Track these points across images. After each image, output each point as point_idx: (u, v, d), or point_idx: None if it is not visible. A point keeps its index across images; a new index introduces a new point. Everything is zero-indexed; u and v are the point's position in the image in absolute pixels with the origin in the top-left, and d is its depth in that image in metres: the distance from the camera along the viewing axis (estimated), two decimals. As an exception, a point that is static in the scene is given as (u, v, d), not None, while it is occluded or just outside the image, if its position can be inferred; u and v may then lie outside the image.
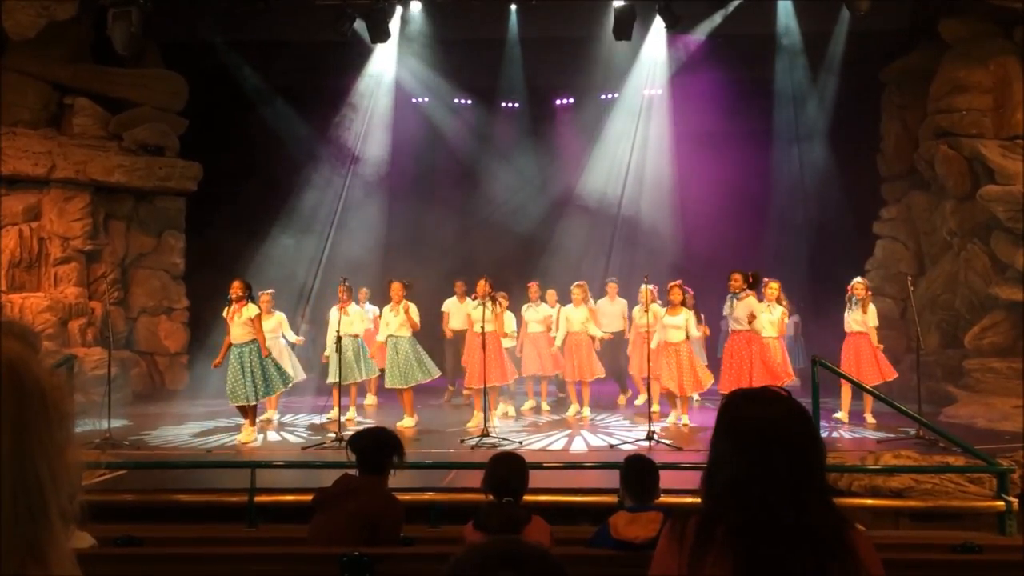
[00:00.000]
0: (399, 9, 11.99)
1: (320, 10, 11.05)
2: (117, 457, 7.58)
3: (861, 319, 9.45)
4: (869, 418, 9.51)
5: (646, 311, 9.52)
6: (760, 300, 9.21)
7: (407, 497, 4.76)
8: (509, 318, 10.04)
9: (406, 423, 9.47)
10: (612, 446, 8.35)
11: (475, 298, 9.66)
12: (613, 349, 11.10)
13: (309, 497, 3.71)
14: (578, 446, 8.47)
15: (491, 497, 3.57)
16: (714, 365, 10.02)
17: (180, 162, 12.45)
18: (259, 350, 8.83)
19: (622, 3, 11.06)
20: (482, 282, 9.42)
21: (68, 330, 11.46)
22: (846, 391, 9.64)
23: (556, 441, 8.73)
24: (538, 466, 6.22)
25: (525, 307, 10.70)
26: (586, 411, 10.31)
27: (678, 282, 9.47)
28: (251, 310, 8.83)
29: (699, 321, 10.16)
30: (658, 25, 11.97)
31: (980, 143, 10.44)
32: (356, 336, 10.12)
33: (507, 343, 10.18)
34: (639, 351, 10.51)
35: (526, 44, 12.64)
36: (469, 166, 14.09)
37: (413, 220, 13.84)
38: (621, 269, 12.60)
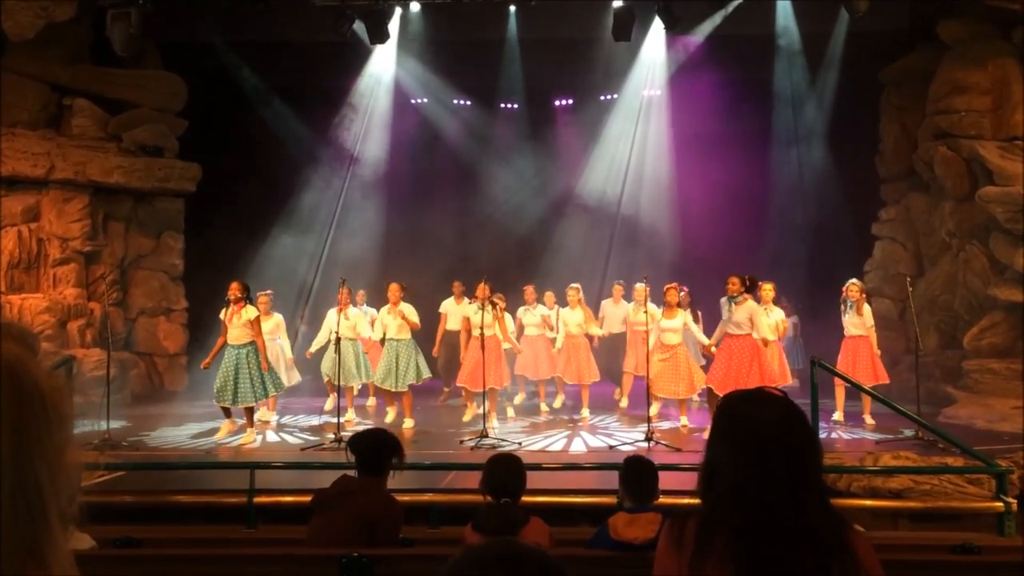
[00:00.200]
0: (398, 10, 11.99)
1: (319, 11, 11.04)
2: (116, 458, 7.57)
3: (859, 321, 9.45)
4: (868, 419, 9.51)
5: (645, 310, 9.52)
6: (757, 303, 9.20)
7: (406, 498, 4.76)
8: (508, 321, 10.03)
9: (407, 424, 9.49)
10: (611, 447, 8.35)
11: (473, 301, 9.66)
12: (612, 350, 11.10)
13: (308, 498, 3.71)
14: (577, 447, 8.48)
15: (489, 498, 3.58)
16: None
17: (179, 163, 12.45)
18: (257, 352, 8.82)
19: (621, 4, 11.07)
20: (482, 285, 9.42)
21: (67, 331, 11.46)
22: (840, 392, 9.64)
23: (555, 442, 8.73)
24: (537, 467, 6.24)
25: (522, 310, 10.68)
26: (585, 412, 10.31)
27: (674, 284, 9.46)
28: (250, 312, 8.82)
29: (696, 320, 10.16)
30: (657, 26, 11.97)
31: (979, 144, 10.45)
32: (354, 340, 10.07)
33: (507, 346, 10.17)
34: (634, 349, 10.49)
35: (525, 45, 12.64)
36: (468, 167, 14.08)
37: (412, 221, 13.83)
38: (620, 270, 12.60)
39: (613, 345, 11.06)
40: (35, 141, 11.57)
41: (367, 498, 3.51)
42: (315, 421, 10.24)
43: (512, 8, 12.15)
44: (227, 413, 9.00)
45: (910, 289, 9.68)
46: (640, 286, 10.14)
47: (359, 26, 11.47)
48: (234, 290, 8.83)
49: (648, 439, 8.26)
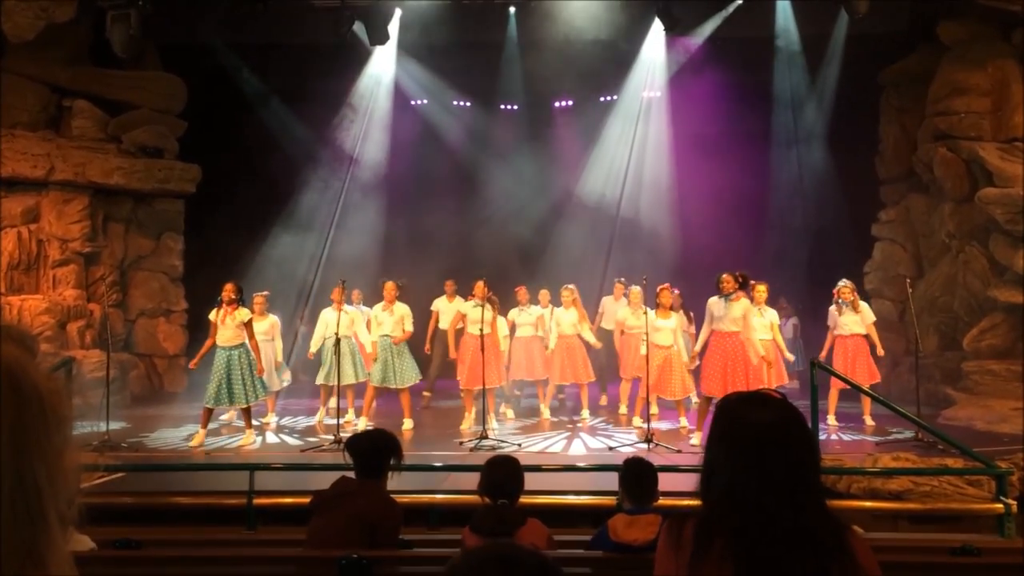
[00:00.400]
0: (398, 11, 12.00)
1: (319, 12, 11.06)
2: (116, 459, 7.58)
3: (858, 319, 9.44)
4: (868, 420, 9.51)
5: (645, 312, 9.51)
6: (750, 302, 9.17)
7: (406, 499, 4.76)
8: (501, 323, 10.00)
9: (406, 425, 9.50)
10: (611, 448, 8.35)
11: (470, 299, 9.67)
12: (610, 347, 11.07)
13: (308, 500, 3.71)
14: (577, 449, 8.48)
15: (487, 500, 3.58)
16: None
17: (179, 164, 12.46)
18: (248, 353, 8.80)
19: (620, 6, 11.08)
20: (480, 284, 9.42)
21: (67, 332, 11.46)
22: (834, 394, 9.61)
23: (555, 443, 8.73)
24: (537, 468, 6.24)
25: (516, 310, 10.64)
26: (584, 413, 10.32)
27: (667, 285, 9.45)
28: (243, 314, 8.80)
29: (690, 321, 10.15)
30: (657, 27, 11.99)
31: (978, 145, 10.45)
32: (349, 338, 10.03)
33: (503, 345, 10.15)
34: (627, 353, 10.42)
35: (525, 46, 12.66)
36: (468, 168, 14.09)
37: (412, 222, 13.83)
38: (620, 271, 12.59)
39: (611, 342, 11.03)
40: (35, 142, 11.57)
41: (366, 499, 3.51)
42: (314, 421, 10.24)
43: (512, 9, 12.16)
44: (205, 422, 8.88)
45: (910, 290, 9.68)
46: (636, 289, 10.12)
47: (359, 27, 11.48)
48: (228, 291, 8.80)
49: (648, 441, 8.27)
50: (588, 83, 13.36)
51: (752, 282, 9.20)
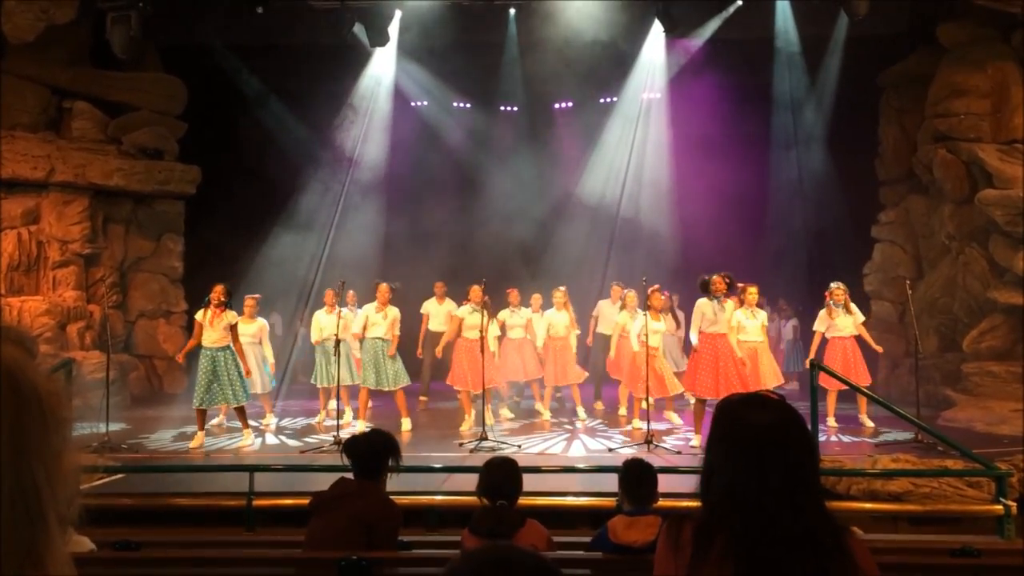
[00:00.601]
0: (398, 13, 12.00)
1: (319, 14, 11.06)
2: (115, 461, 7.58)
3: (852, 321, 9.43)
4: (867, 421, 9.50)
5: (644, 314, 9.50)
6: (740, 304, 9.17)
7: (405, 501, 4.76)
8: (492, 325, 9.98)
9: (405, 425, 9.49)
10: (611, 450, 8.35)
11: (465, 303, 9.68)
12: (604, 350, 11.07)
13: (307, 501, 3.71)
14: (576, 450, 8.47)
15: (486, 501, 3.58)
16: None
17: (179, 165, 12.47)
18: (234, 355, 8.79)
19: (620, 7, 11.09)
20: (477, 288, 9.42)
21: (66, 333, 11.46)
22: (832, 397, 9.59)
23: (554, 445, 8.73)
24: (536, 470, 6.24)
25: (508, 312, 10.63)
26: (581, 412, 10.32)
27: (657, 286, 9.45)
28: (230, 316, 8.79)
29: (678, 324, 10.15)
30: (657, 29, 11.99)
31: (978, 147, 10.46)
32: (345, 340, 9.99)
33: (492, 346, 10.14)
34: (621, 353, 10.40)
35: (525, 48, 12.66)
36: (468, 169, 14.10)
37: (412, 223, 13.84)
38: (620, 273, 12.59)
39: (606, 346, 11.02)
40: (35, 144, 11.58)
41: (366, 500, 3.51)
42: (314, 422, 10.23)
43: (512, 11, 12.17)
44: (201, 423, 8.87)
45: (909, 292, 9.68)
46: (632, 294, 10.12)
47: (359, 29, 11.49)
48: (218, 293, 8.78)
49: (648, 442, 8.27)
50: (588, 84, 13.36)
51: (741, 284, 9.19)
